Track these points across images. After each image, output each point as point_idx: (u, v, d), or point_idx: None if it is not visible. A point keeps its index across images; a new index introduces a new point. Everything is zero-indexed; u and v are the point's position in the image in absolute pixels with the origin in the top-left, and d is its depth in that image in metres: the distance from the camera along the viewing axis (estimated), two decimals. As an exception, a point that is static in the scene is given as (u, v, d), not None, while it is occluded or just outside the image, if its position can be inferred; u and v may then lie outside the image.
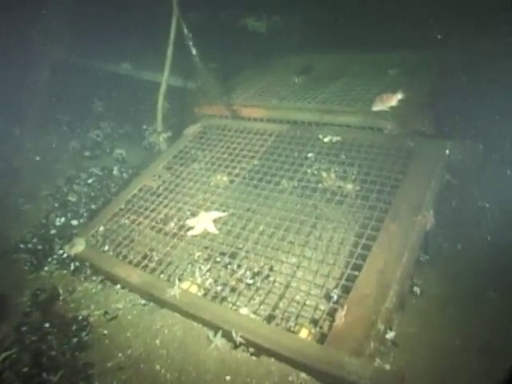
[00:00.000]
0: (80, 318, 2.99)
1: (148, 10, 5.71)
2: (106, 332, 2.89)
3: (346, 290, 2.45)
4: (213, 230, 3.10)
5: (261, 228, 3.01)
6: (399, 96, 3.51)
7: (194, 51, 3.90)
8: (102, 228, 3.52)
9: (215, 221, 3.17)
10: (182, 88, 5.13)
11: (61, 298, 3.18)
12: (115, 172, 4.56)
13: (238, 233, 3.05)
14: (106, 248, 3.33)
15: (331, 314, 2.37)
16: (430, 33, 4.85)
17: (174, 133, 4.92)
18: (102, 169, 4.64)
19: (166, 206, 3.49)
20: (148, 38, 5.75)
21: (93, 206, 4.08)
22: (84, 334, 2.86)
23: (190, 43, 3.87)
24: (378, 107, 3.52)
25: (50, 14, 6.02)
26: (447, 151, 3.13)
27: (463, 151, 3.14)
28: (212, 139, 4.01)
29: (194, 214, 3.33)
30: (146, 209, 3.54)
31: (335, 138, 3.50)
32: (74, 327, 2.91)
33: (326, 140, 3.53)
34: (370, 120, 3.54)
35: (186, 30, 3.85)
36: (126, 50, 5.91)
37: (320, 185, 3.19)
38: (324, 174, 3.25)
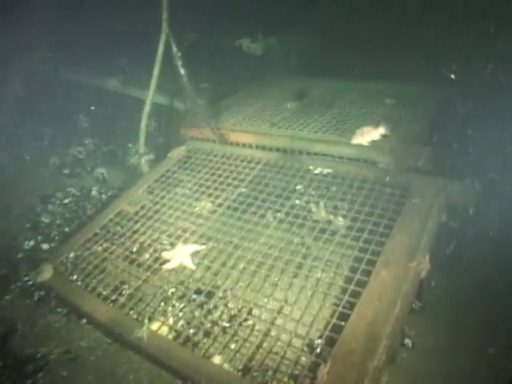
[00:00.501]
0: (38, 356, 2.71)
1: (140, 26, 5.52)
2: (65, 374, 2.62)
3: (331, 343, 2.21)
4: (190, 264, 2.86)
5: (242, 266, 2.77)
6: (382, 130, 3.35)
7: (182, 71, 3.69)
8: (72, 254, 3.27)
9: (193, 254, 2.92)
10: (170, 107, 4.92)
11: (19, 332, 2.89)
12: (94, 193, 4.32)
13: (217, 270, 2.81)
14: (75, 277, 3.08)
15: (313, 369, 2.12)
16: (431, 66, 4.69)
17: (160, 153, 4.70)
18: (80, 188, 4.40)
19: (142, 234, 3.25)
20: (139, 53, 5.54)
21: (66, 229, 3.83)
22: (41, 375, 2.58)
23: (179, 63, 3.65)
24: (357, 140, 3.35)
25: (38, 26, 5.83)
26: (445, 191, 2.90)
27: (462, 191, 2.93)
28: (196, 164, 3.78)
29: (171, 245, 3.09)
30: (121, 236, 3.30)
31: (326, 170, 3.28)
32: (30, 367, 2.63)
33: (316, 171, 3.31)
34: (365, 153, 3.33)
35: (174, 49, 3.64)
36: (115, 65, 5.71)
37: (308, 219, 2.95)
38: (313, 208, 3.01)
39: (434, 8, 4.82)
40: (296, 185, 3.25)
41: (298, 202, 3.13)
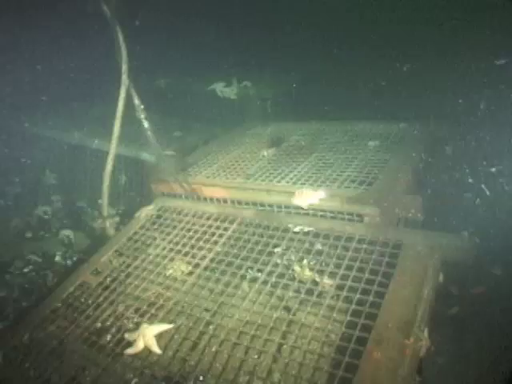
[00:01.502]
0: None
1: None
2: None
3: None
4: (155, 348, 2.48)
5: (214, 349, 2.40)
6: (320, 194, 3.11)
7: (146, 125, 3.40)
8: (27, 337, 2.87)
9: (159, 336, 2.54)
10: (139, 159, 4.61)
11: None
12: (58, 258, 3.95)
13: (186, 354, 2.44)
14: (28, 365, 2.67)
15: None
16: (416, 104, 4.48)
17: (132, 209, 4.38)
18: (42, 254, 4.03)
19: (104, 311, 2.88)
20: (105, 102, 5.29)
21: (23, 304, 3.43)
22: None
23: (142, 116, 3.36)
24: (297, 202, 3.14)
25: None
26: (440, 247, 2.58)
27: (459, 246, 2.61)
28: (166, 225, 3.44)
29: (136, 324, 2.71)
30: (81, 313, 2.93)
31: (307, 228, 2.96)
32: None
33: (296, 229, 2.98)
34: (348, 206, 3.03)
35: (136, 101, 3.36)
36: (79, 117, 5.42)
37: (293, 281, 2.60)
38: (297, 267, 2.67)
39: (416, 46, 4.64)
40: (275, 246, 2.90)
41: (279, 260, 2.78)
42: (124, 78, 3.32)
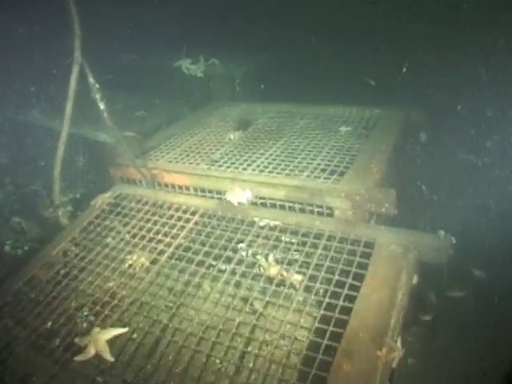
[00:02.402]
0: None
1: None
2: None
3: None
4: (107, 355, 2.27)
5: (172, 356, 2.20)
6: (247, 195, 2.97)
7: (101, 106, 3.12)
8: (-32, 338, 2.61)
9: (112, 341, 2.33)
10: (98, 140, 4.31)
11: None
12: (7, 248, 3.67)
13: (141, 362, 2.23)
14: (-32, 370, 2.43)
15: None
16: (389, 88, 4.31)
17: (91, 193, 4.11)
18: (-10, 243, 3.73)
19: (55, 310, 2.64)
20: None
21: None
22: None
23: (97, 96, 3.08)
24: (229, 198, 2.99)
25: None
26: (415, 247, 2.43)
27: (435, 246, 2.45)
28: (124, 214, 3.21)
29: (88, 325, 2.49)
30: (30, 312, 2.68)
31: (273, 222, 2.76)
32: None
33: (262, 223, 2.78)
34: (318, 197, 2.84)
35: (91, 80, 3.07)
36: (37, 94, 5.05)
37: (258, 281, 2.42)
38: (263, 261, 2.49)
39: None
40: (239, 241, 2.70)
41: (243, 258, 2.59)
42: (77, 54, 3.03)
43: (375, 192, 2.74)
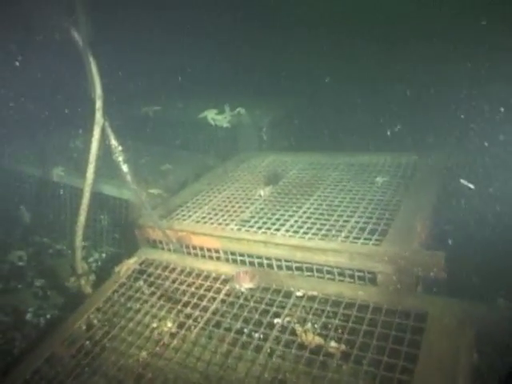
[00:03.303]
0: None
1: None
2: None
3: None
4: None
5: None
6: (256, 282, 2.71)
7: (125, 169, 2.95)
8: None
9: None
10: (122, 198, 4.17)
11: None
12: (29, 316, 3.48)
13: None
14: None
15: None
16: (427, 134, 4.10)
17: (118, 251, 3.97)
18: (12, 310, 3.55)
19: (75, 394, 2.41)
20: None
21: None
22: None
23: (120, 159, 2.92)
24: (234, 284, 2.75)
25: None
26: (472, 319, 2.14)
27: (495, 319, 2.16)
28: (149, 283, 3.01)
29: (111, 414, 2.25)
30: (49, 395, 2.45)
31: (311, 292, 2.51)
32: None
33: (299, 293, 2.54)
34: (358, 262, 2.58)
35: (113, 142, 2.92)
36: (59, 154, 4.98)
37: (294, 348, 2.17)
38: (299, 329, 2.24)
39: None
40: (275, 315, 2.46)
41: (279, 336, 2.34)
42: (98, 116, 2.89)
43: (422, 255, 2.49)
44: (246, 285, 2.69)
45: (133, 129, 5.61)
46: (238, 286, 2.70)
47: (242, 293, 2.67)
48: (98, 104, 2.90)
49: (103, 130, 2.95)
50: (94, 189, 4.20)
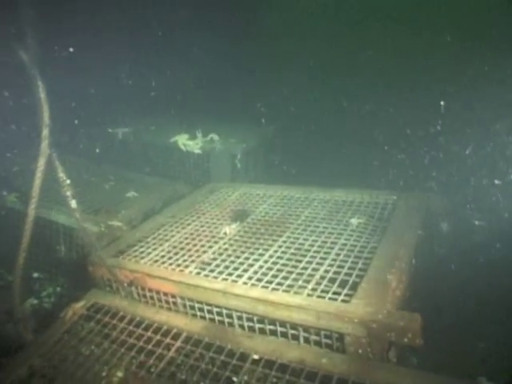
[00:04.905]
0: None
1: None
2: None
3: None
4: None
5: None
6: None
7: (73, 204, 2.67)
8: None
9: None
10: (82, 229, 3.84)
11: None
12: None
13: None
14: None
15: None
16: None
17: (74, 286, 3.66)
18: None
19: None
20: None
21: None
22: None
23: (68, 193, 2.63)
24: None
25: None
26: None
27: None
28: (95, 333, 2.70)
29: None
30: None
31: (270, 357, 2.21)
32: None
33: (256, 356, 2.24)
34: (325, 322, 2.31)
35: (61, 175, 2.63)
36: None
37: None
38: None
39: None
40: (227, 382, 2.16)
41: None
42: (43, 146, 2.60)
43: (396, 318, 2.22)
44: None
45: (100, 151, 5.32)
46: None
47: (193, 352, 2.36)
48: (44, 133, 2.61)
49: (52, 160, 2.64)
50: (51, 217, 3.93)
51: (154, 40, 5.64)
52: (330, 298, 2.43)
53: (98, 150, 5.22)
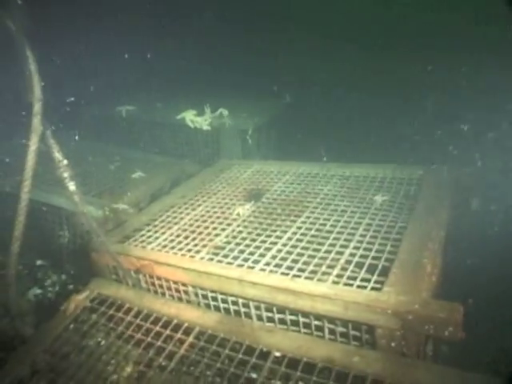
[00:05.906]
0: None
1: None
2: None
3: None
4: None
5: None
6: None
7: (71, 187, 2.43)
8: None
9: None
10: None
11: None
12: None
13: None
14: None
15: None
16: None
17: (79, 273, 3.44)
18: None
19: None
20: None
21: None
22: None
23: (65, 175, 2.40)
24: None
25: None
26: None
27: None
28: (97, 328, 2.49)
29: None
30: None
31: (294, 354, 1.96)
32: None
33: (277, 353, 1.99)
34: (354, 313, 2.04)
35: (57, 155, 2.39)
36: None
37: None
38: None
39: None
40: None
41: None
42: (35, 122, 2.33)
43: (435, 309, 1.95)
44: None
45: (104, 130, 5.06)
46: None
47: (207, 349, 2.12)
48: (36, 108, 2.34)
49: (43, 140, 2.38)
50: (53, 201, 3.68)
51: (159, 14, 5.34)
52: (358, 286, 2.17)
53: (101, 129, 4.93)
